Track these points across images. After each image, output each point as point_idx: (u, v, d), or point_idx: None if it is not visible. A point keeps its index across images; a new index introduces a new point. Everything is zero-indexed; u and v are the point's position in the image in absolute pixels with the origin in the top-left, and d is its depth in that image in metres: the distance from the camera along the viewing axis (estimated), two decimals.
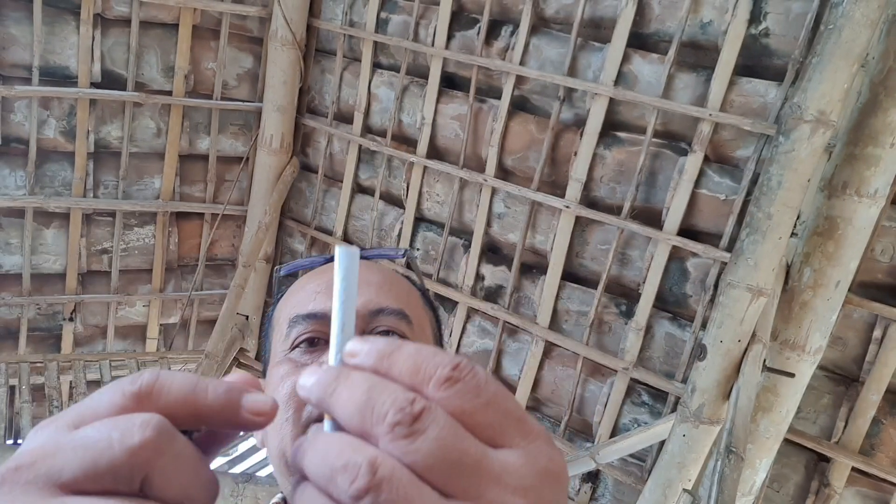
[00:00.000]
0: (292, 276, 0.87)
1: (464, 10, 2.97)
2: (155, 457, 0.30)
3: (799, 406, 2.29)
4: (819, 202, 2.08)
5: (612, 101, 2.60)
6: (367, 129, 3.33)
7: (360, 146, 3.32)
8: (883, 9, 1.86)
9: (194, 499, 0.32)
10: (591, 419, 2.81)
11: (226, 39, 3.34)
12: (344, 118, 3.40)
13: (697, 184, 2.48)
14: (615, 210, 2.66)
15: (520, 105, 2.90)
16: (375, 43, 3.19)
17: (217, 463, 5.05)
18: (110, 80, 3.23)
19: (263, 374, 0.75)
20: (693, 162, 2.46)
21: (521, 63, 2.77)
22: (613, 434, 2.72)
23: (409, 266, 0.83)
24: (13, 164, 3.20)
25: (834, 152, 2.06)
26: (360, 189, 3.45)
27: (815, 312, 2.12)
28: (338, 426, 0.32)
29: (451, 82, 3.07)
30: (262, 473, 4.09)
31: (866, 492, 2.40)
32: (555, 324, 2.87)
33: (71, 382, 3.36)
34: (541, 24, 2.80)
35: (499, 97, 2.86)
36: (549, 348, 2.89)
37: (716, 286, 2.43)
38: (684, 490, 2.25)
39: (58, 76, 3.14)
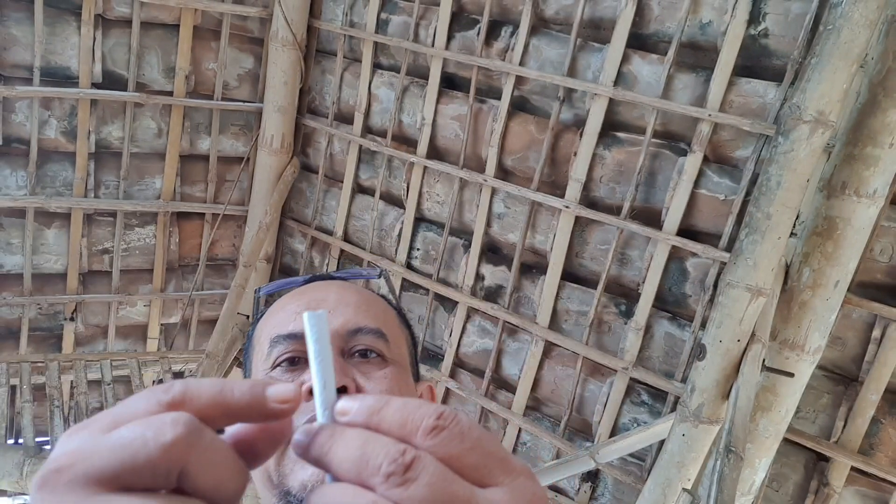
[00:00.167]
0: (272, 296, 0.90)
1: (464, 10, 2.98)
2: (188, 451, 0.32)
3: (798, 406, 2.29)
4: (818, 202, 2.09)
5: (611, 101, 2.60)
6: (368, 130, 3.33)
7: (361, 146, 3.32)
8: (882, 9, 1.86)
9: (227, 488, 0.34)
10: (591, 419, 2.82)
11: (226, 40, 3.35)
12: (344, 118, 3.41)
13: (697, 184, 2.48)
14: (615, 210, 2.67)
15: (520, 105, 2.90)
16: (376, 43, 3.20)
17: None
18: (111, 80, 3.24)
19: None
20: (692, 162, 2.46)
21: (521, 63, 2.78)
22: (613, 433, 2.73)
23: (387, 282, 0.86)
24: (14, 164, 3.20)
25: (833, 152, 2.07)
26: (360, 189, 3.45)
27: (815, 312, 2.12)
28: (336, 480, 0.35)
29: (451, 83, 3.08)
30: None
31: (865, 491, 2.41)
32: (554, 324, 2.87)
33: (72, 382, 3.37)
34: (540, 25, 2.81)
35: (499, 97, 2.87)
36: (548, 348, 2.90)
37: (715, 286, 2.44)
38: (684, 489, 2.26)
39: (59, 77, 3.15)
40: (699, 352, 2.19)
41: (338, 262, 3.53)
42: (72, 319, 3.52)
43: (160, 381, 3.53)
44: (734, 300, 2.09)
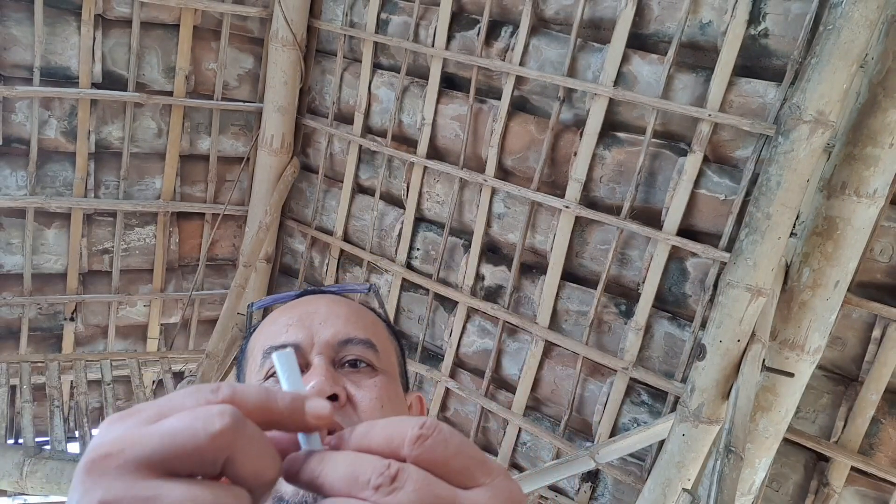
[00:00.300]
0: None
1: (464, 10, 2.98)
2: (234, 441, 0.35)
3: (798, 406, 2.29)
4: (818, 202, 2.09)
5: (611, 101, 2.60)
6: (368, 130, 3.33)
7: (361, 146, 3.33)
8: (882, 9, 1.86)
9: (266, 477, 0.37)
10: (591, 419, 2.82)
11: (226, 40, 3.35)
12: (344, 118, 3.41)
13: (697, 184, 2.48)
14: (615, 210, 2.67)
15: (520, 105, 2.90)
16: (376, 43, 3.20)
17: None
18: (111, 80, 3.24)
19: None
20: (692, 162, 2.46)
21: (521, 63, 2.78)
22: (613, 433, 2.73)
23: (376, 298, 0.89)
24: (14, 164, 3.20)
25: (833, 152, 2.07)
26: (360, 189, 3.45)
27: (815, 312, 2.12)
28: None
29: (451, 83, 3.08)
30: None
31: (865, 491, 2.41)
32: (554, 323, 2.87)
33: (72, 382, 3.37)
34: (540, 25, 2.81)
35: (499, 97, 2.87)
36: (548, 348, 2.90)
37: (715, 286, 2.44)
38: (684, 489, 2.26)
39: (59, 77, 3.15)
40: (699, 352, 2.19)
41: (338, 262, 3.53)
42: (72, 319, 3.52)
43: (160, 382, 3.53)
44: (734, 300, 2.09)
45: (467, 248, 3.08)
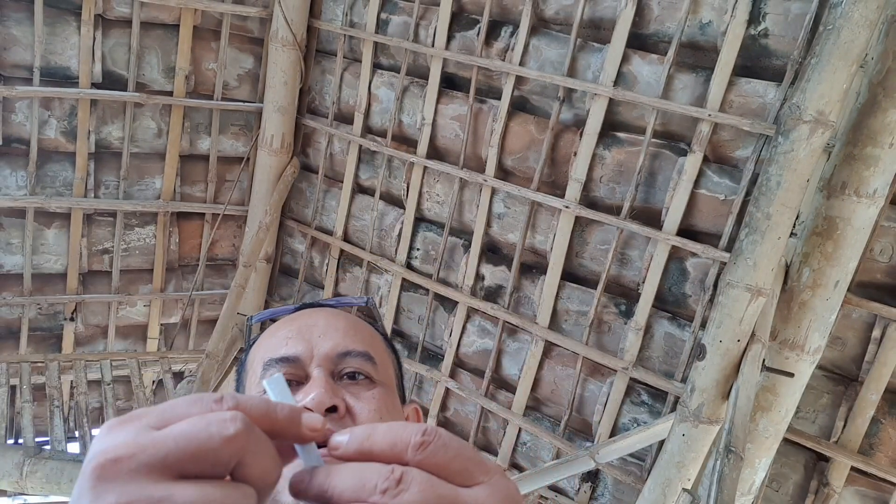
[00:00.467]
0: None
1: (464, 10, 2.98)
2: (245, 445, 0.37)
3: (798, 406, 2.29)
4: (818, 202, 2.09)
5: (611, 101, 2.60)
6: (368, 130, 3.33)
7: (361, 146, 3.33)
8: (882, 9, 1.86)
9: (271, 477, 0.39)
10: (591, 419, 2.82)
11: (226, 40, 3.35)
12: (344, 118, 3.41)
13: (697, 184, 2.48)
14: (615, 210, 2.67)
15: (520, 105, 2.90)
16: (376, 44, 3.20)
17: None
18: (111, 80, 3.24)
19: None
20: (692, 162, 2.46)
21: (521, 64, 2.78)
22: (613, 433, 2.73)
23: (371, 312, 0.90)
24: (14, 164, 3.20)
25: (833, 152, 2.07)
26: (360, 189, 3.45)
27: (814, 312, 2.12)
28: None
29: (451, 83, 3.08)
30: None
31: (865, 491, 2.41)
32: (554, 323, 2.87)
33: (72, 382, 3.37)
34: (540, 25, 2.81)
35: (499, 97, 2.87)
36: (548, 348, 2.90)
37: (715, 286, 2.44)
38: (683, 489, 2.26)
39: (59, 77, 3.15)
40: (699, 352, 2.19)
41: (338, 262, 3.53)
42: (72, 319, 3.52)
43: (160, 382, 3.53)
44: (734, 300, 2.09)
45: (467, 248, 3.08)
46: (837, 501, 2.41)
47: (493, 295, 3.05)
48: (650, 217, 2.61)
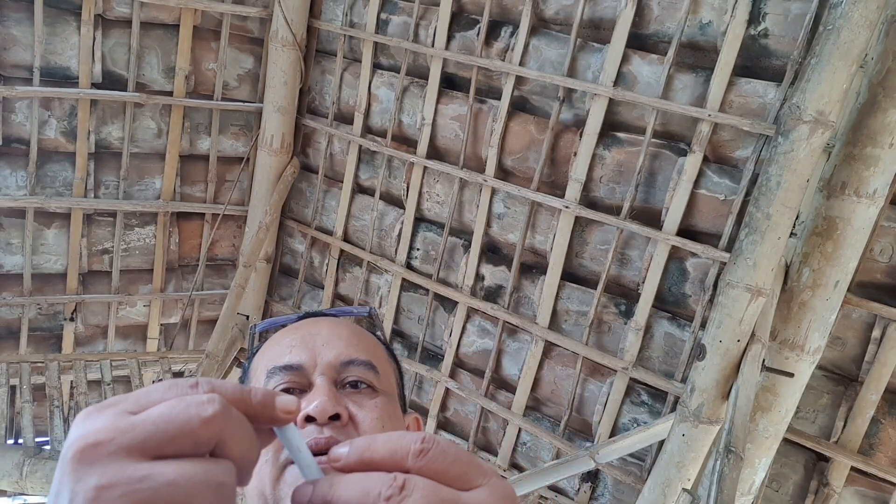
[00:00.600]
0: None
1: (464, 10, 2.98)
2: (224, 425, 0.38)
3: (798, 406, 2.29)
4: (818, 202, 2.09)
5: (611, 101, 2.60)
6: (368, 130, 3.33)
7: (361, 146, 3.33)
8: (882, 10, 1.86)
9: (251, 456, 0.41)
10: (591, 419, 2.82)
11: (226, 40, 3.35)
12: (344, 119, 3.41)
13: (697, 184, 2.48)
14: (615, 210, 2.67)
15: (519, 105, 2.90)
16: (376, 44, 3.20)
17: None
18: (111, 80, 3.24)
19: None
20: (692, 162, 2.46)
21: (521, 64, 2.78)
22: (613, 433, 2.73)
23: (373, 322, 0.91)
24: (14, 164, 3.20)
25: (833, 153, 2.07)
26: (360, 189, 3.45)
27: (814, 312, 2.12)
28: None
29: (451, 83, 3.08)
30: None
31: (865, 491, 2.41)
32: (554, 324, 2.87)
33: (72, 382, 3.37)
34: (540, 25, 2.81)
35: (499, 98, 2.87)
36: (548, 348, 2.90)
37: (715, 286, 2.44)
38: (683, 489, 2.26)
39: (59, 77, 3.15)
40: (699, 352, 2.20)
41: (338, 262, 3.53)
42: (72, 319, 3.52)
43: (160, 382, 3.53)
44: (734, 300, 2.09)
45: (467, 248, 3.08)
46: (837, 501, 2.41)
47: (493, 295, 3.05)
48: (650, 217, 2.61)
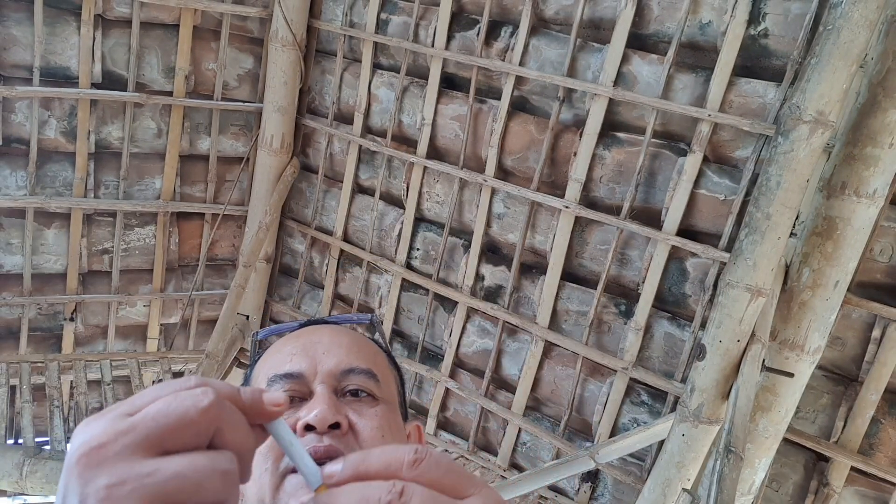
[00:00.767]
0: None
1: (463, 10, 2.98)
2: (220, 414, 0.40)
3: (798, 406, 2.29)
4: (818, 202, 2.09)
5: (611, 101, 2.60)
6: (368, 130, 3.33)
7: (361, 146, 3.33)
8: (881, 10, 1.86)
9: (248, 445, 0.42)
10: (591, 419, 2.82)
11: (226, 40, 3.35)
12: (344, 119, 3.41)
13: (696, 184, 2.48)
14: (614, 210, 2.67)
15: (519, 105, 2.90)
16: (375, 44, 3.20)
17: None
18: (111, 80, 3.24)
19: None
20: (692, 162, 2.46)
21: (521, 64, 2.78)
22: (613, 433, 2.73)
23: (375, 329, 0.91)
24: (14, 164, 3.20)
25: (833, 153, 2.07)
26: (360, 189, 3.45)
27: (814, 312, 2.12)
28: None
29: (451, 83, 3.08)
30: None
31: (865, 491, 2.41)
32: (554, 324, 2.87)
33: (72, 382, 3.37)
34: (540, 25, 2.81)
35: (498, 98, 2.87)
36: (548, 348, 2.90)
37: (715, 286, 2.44)
38: (683, 489, 2.26)
39: (59, 77, 3.15)
40: (699, 352, 2.20)
41: (337, 262, 3.53)
42: (72, 319, 3.52)
43: (160, 382, 3.53)
44: (734, 300, 2.09)
45: (467, 248, 3.08)
46: (837, 501, 2.41)
47: (492, 295, 3.05)
48: (650, 217, 2.61)
